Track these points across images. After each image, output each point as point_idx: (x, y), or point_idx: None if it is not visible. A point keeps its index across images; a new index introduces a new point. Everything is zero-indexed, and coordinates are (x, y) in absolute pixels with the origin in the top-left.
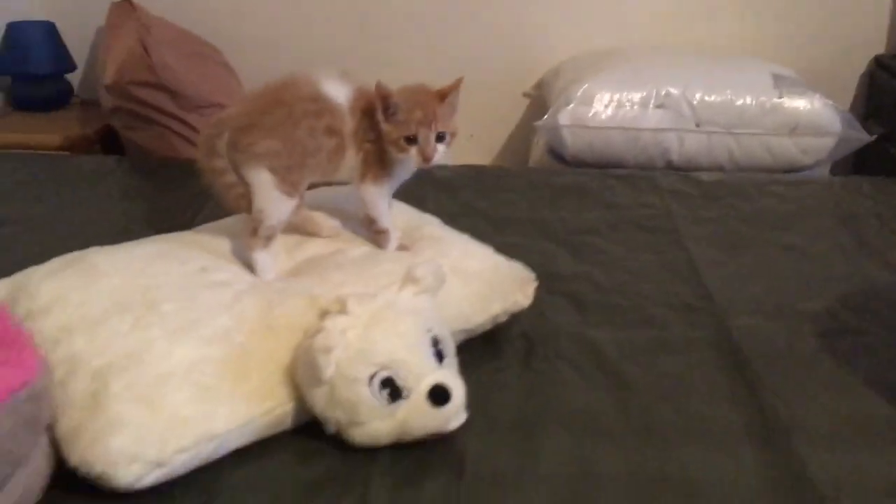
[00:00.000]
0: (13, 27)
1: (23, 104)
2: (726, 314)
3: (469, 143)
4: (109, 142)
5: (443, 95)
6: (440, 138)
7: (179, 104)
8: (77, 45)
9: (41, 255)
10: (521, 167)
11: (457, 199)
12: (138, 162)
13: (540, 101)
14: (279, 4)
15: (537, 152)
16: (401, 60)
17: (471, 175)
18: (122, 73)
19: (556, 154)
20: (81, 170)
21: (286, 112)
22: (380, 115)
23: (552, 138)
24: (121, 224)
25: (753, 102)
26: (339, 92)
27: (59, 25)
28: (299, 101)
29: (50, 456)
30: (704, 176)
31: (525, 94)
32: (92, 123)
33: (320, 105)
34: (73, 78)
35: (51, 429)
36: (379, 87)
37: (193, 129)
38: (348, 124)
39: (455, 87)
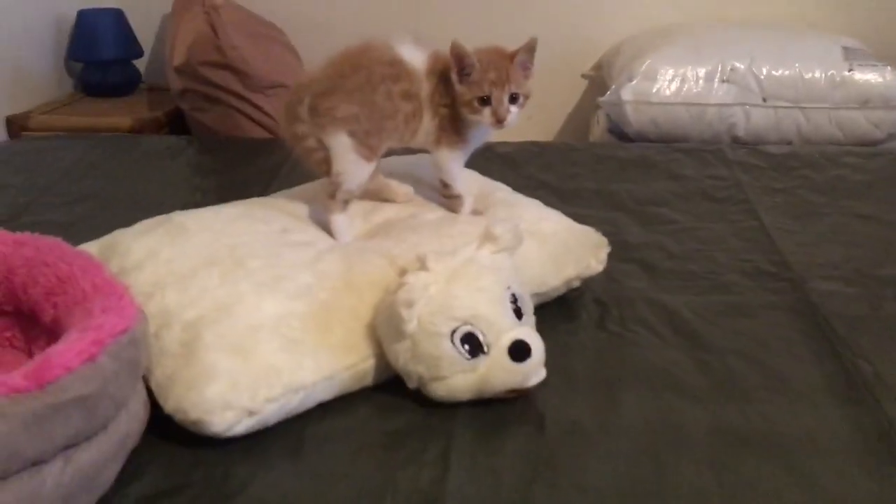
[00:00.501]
0: (83, 14)
1: (93, 89)
2: (803, 279)
3: (528, 124)
4: (177, 124)
5: (515, 56)
6: (513, 100)
7: (246, 84)
8: (144, 31)
9: (120, 227)
10: (582, 143)
11: (521, 173)
12: (207, 141)
13: (599, 81)
14: None
15: (598, 131)
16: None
17: (534, 150)
18: (192, 54)
19: (618, 132)
20: (152, 149)
21: (364, 76)
22: (454, 76)
23: (615, 115)
24: (194, 199)
25: (823, 76)
26: (414, 56)
27: (127, 12)
28: (377, 65)
29: (146, 402)
30: (773, 149)
31: (584, 76)
32: (160, 106)
33: (397, 69)
34: (140, 64)
35: (146, 377)
36: (454, 46)
37: (259, 108)
38: (424, 88)
39: (526, 48)
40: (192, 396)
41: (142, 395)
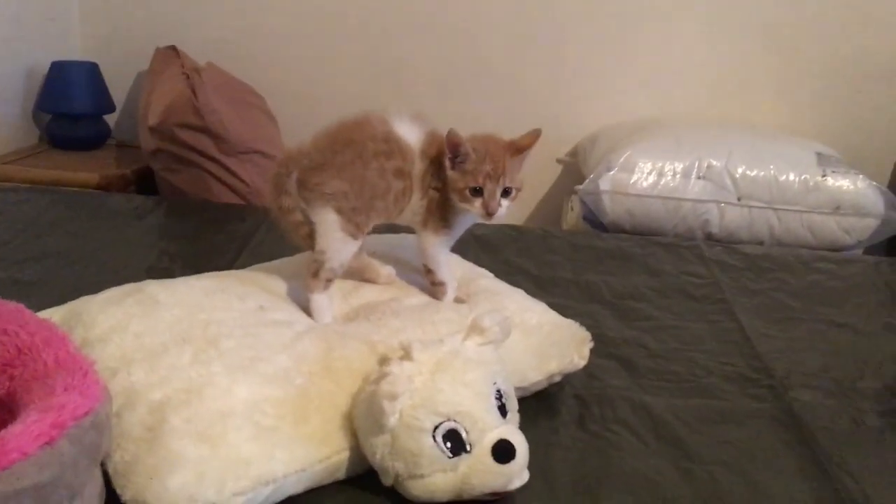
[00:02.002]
0: (57, 66)
1: (60, 142)
2: (784, 388)
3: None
4: (145, 182)
5: (517, 149)
6: (506, 192)
7: (221, 148)
8: (117, 87)
9: (82, 289)
10: (560, 230)
11: (498, 257)
12: (176, 203)
13: (574, 167)
14: (320, 56)
15: (571, 218)
16: (436, 119)
17: (512, 235)
18: (169, 114)
19: (592, 220)
20: (119, 208)
21: (356, 151)
22: (447, 162)
23: (592, 203)
24: (160, 263)
25: (797, 179)
26: (410, 133)
27: (101, 67)
28: (370, 141)
29: (102, 490)
30: (748, 249)
31: (558, 161)
32: (128, 164)
33: (391, 146)
34: (110, 119)
35: (104, 461)
36: (451, 134)
37: (232, 173)
38: (417, 167)
39: (531, 142)
40: (153, 486)
41: (98, 481)
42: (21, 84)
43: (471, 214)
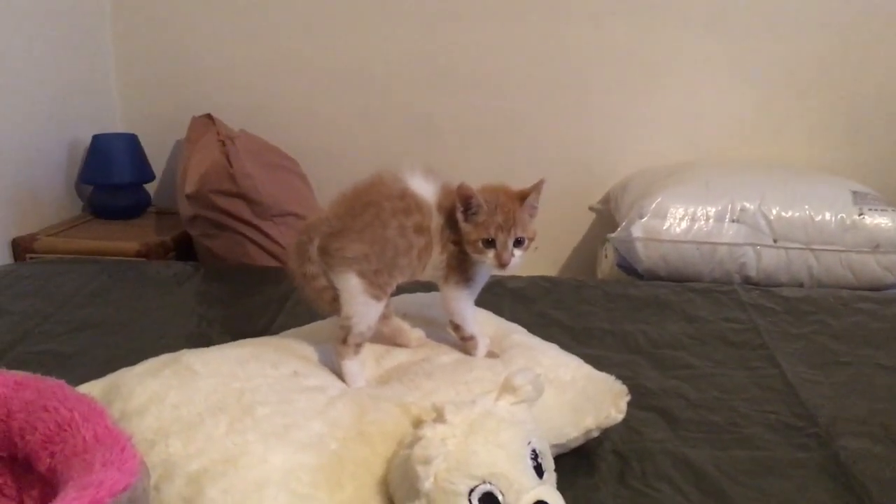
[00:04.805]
0: (98, 139)
1: (102, 212)
2: (830, 436)
3: (535, 256)
4: (184, 249)
5: (523, 198)
6: (518, 243)
7: (256, 212)
8: (156, 156)
9: (123, 359)
10: (595, 279)
11: (532, 309)
12: (214, 269)
13: (606, 214)
14: (350, 115)
15: (606, 265)
16: (468, 172)
17: (545, 286)
18: (205, 182)
19: (627, 267)
20: (159, 276)
21: (374, 213)
22: (459, 215)
23: (626, 251)
24: (199, 329)
25: (833, 219)
26: (425, 188)
27: (140, 137)
28: (387, 200)
29: None
30: (787, 292)
31: (591, 208)
32: (168, 231)
33: (408, 202)
34: (150, 187)
35: None
36: (461, 187)
37: (268, 236)
38: (435, 221)
39: (535, 189)
40: None
41: None
42: (64, 157)
43: (487, 265)
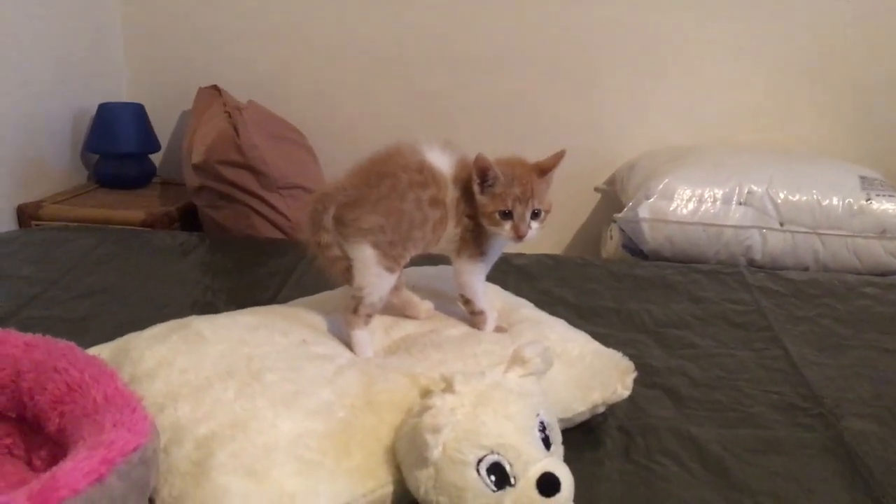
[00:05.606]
0: (104, 108)
1: (107, 181)
2: (835, 416)
3: (540, 235)
4: (188, 219)
5: (542, 171)
6: (535, 215)
7: (262, 184)
8: (162, 126)
9: (130, 325)
10: (599, 259)
11: (537, 286)
12: (219, 239)
13: (611, 195)
14: (358, 91)
15: (611, 246)
16: (473, 150)
17: (550, 264)
18: (211, 152)
19: (632, 248)
20: (165, 245)
21: (391, 184)
22: (476, 187)
23: (632, 231)
24: (204, 298)
25: (840, 204)
26: (442, 161)
27: (146, 107)
28: (404, 172)
29: None
30: (792, 275)
31: (596, 189)
32: (172, 201)
33: (425, 175)
34: (155, 158)
35: (151, 496)
36: (479, 158)
37: (273, 207)
38: (451, 195)
39: (555, 162)
40: None
41: None
42: (70, 126)
43: (502, 238)
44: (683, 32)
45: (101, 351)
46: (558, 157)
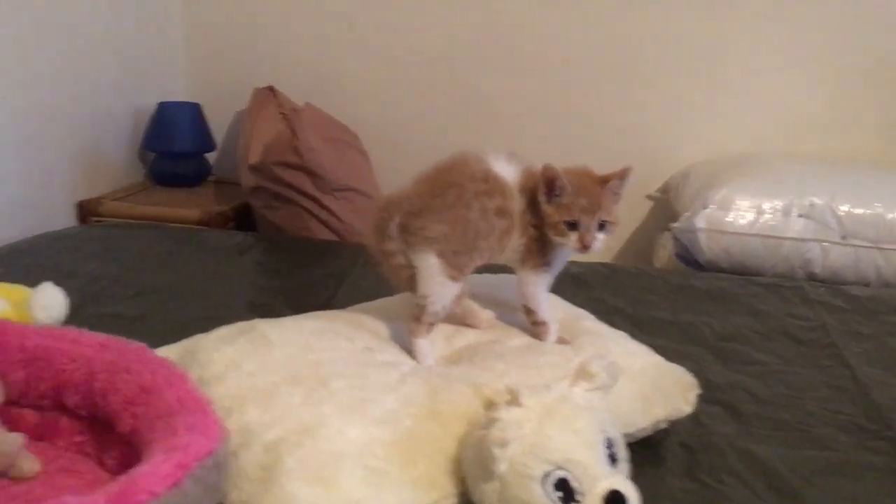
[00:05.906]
0: (163, 106)
1: (163, 179)
2: None
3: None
4: (243, 219)
5: (607, 182)
6: (601, 226)
7: (318, 186)
8: (218, 126)
9: (187, 324)
10: (654, 268)
11: (592, 295)
12: (274, 240)
13: (665, 203)
14: (412, 95)
15: (664, 255)
16: (525, 155)
17: (604, 272)
18: (269, 153)
19: (686, 258)
20: (221, 245)
21: (456, 194)
22: (542, 197)
23: (687, 241)
24: (260, 299)
25: None
26: (507, 171)
27: (203, 107)
28: (470, 182)
29: None
30: (855, 290)
31: (649, 197)
32: (227, 200)
33: (491, 185)
34: (211, 157)
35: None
36: (547, 168)
37: (328, 210)
38: (517, 205)
39: (622, 175)
40: None
41: None
42: (129, 124)
43: (567, 249)
44: (744, 39)
45: (168, 352)
46: (624, 171)
